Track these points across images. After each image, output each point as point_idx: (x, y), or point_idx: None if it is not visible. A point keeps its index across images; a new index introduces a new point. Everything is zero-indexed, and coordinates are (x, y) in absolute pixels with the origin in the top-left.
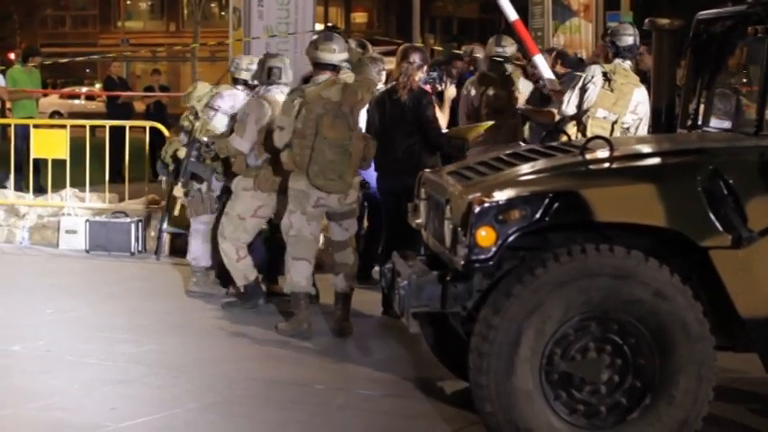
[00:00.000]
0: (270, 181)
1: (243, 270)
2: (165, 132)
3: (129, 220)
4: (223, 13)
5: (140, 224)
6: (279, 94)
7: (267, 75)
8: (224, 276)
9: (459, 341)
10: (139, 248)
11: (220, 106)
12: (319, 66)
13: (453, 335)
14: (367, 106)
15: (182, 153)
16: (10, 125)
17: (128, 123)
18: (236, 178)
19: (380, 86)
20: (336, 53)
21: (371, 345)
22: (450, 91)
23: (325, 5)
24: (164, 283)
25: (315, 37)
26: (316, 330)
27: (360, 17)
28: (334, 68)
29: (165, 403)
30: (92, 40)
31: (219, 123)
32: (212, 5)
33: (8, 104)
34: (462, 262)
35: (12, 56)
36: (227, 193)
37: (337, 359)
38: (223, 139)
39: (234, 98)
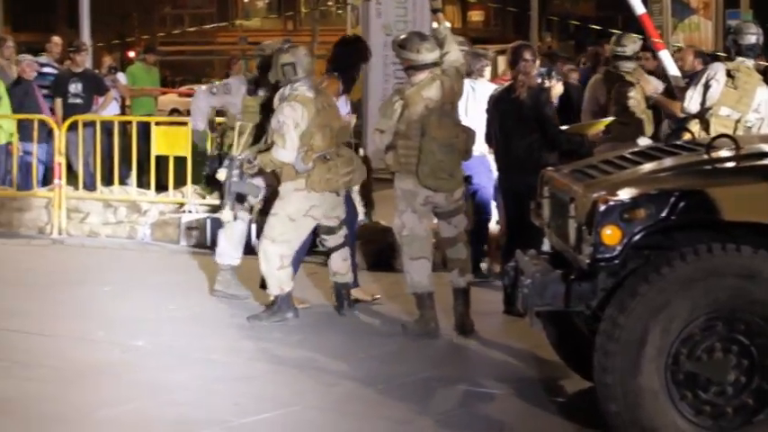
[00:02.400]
0: (324, 180)
1: (281, 279)
2: None
3: (250, 216)
4: (340, 11)
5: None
6: (306, 90)
7: (282, 73)
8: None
9: (582, 340)
10: None
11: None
12: (416, 67)
13: (576, 333)
14: (486, 106)
15: (221, 175)
16: (131, 122)
17: None
18: (284, 182)
19: (485, 82)
20: (431, 52)
21: (493, 343)
22: (558, 88)
23: (441, 3)
24: None
25: (403, 37)
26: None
27: (476, 15)
28: (431, 66)
29: (287, 400)
30: (209, 38)
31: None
32: (330, 3)
33: (128, 101)
34: (587, 261)
35: (131, 54)
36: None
37: (459, 357)
38: (266, 154)
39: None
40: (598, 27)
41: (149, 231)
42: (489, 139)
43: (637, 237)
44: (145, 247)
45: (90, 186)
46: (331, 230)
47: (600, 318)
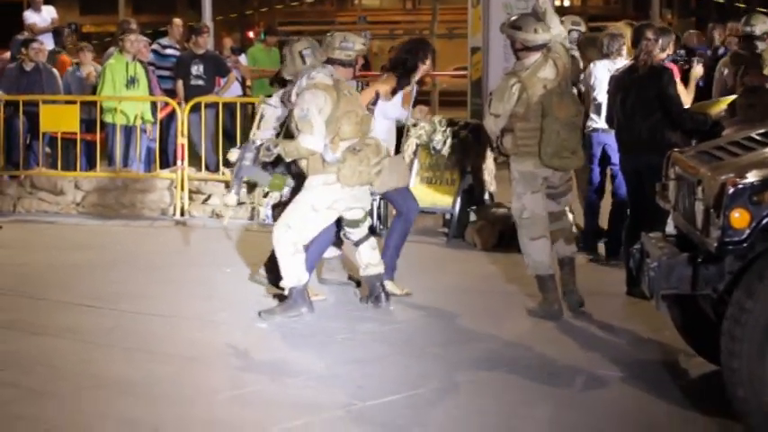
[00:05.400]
0: (356, 173)
1: (296, 268)
2: None
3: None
4: None
5: (382, 202)
6: (324, 77)
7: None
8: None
9: (707, 323)
10: (380, 227)
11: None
12: (530, 48)
13: (702, 317)
14: (607, 87)
15: (232, 156)
16: (253, 103)
17: None
18: (312, 175)
19: (623, 61)
20: (547, 32)
21: (615, 325)
22: (697, 70)
23: None
24: (408, 262)
25: (515, 19)
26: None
27: None
28: (543, 47)
29: (410, 383)
30: (329, 18)
31: (270, 119)
32: None
33: (248, 83)
34: (715, 244)
35: (251, 34)
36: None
37: (580, 339)
38: (290, 141)
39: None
40: (721, 1)
41: (271, 212)
42: (611, 119)
43: (766, 220)
44: (266, 229)
45: (212, 168)
46: (356, 223)
47: (727, 301)
